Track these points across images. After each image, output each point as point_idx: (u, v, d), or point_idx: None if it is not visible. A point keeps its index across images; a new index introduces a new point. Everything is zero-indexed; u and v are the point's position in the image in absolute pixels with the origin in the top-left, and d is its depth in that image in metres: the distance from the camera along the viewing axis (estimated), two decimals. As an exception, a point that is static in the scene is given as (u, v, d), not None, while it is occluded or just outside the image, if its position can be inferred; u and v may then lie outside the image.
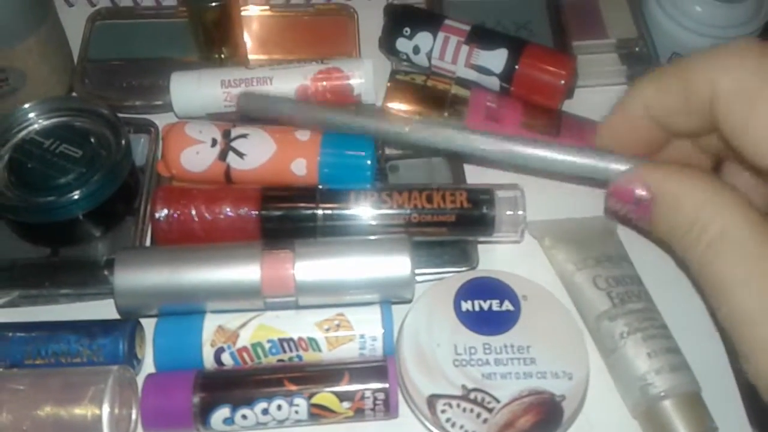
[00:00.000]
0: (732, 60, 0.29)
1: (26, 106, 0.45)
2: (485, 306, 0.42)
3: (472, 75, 0.50)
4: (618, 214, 0.33)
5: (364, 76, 0.50)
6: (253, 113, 0.44)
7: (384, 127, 0.40)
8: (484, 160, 0.35)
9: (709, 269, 0.29)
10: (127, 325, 0.41)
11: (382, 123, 0.40)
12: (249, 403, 0.38)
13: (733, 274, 0.28)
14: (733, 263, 0.28)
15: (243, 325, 0.40)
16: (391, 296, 0.42)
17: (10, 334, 0.40)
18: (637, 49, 0.56)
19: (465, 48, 0.50)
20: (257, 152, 0.44)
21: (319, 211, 0.43)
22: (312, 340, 0.40)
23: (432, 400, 0.38)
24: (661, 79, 0.32)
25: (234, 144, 0.45)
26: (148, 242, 0.46)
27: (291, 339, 0.40)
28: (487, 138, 0.34)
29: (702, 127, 0.32)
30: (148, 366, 0.42)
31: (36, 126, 0.45)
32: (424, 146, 0.37)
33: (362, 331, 0.41)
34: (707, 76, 0.30)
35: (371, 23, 0.57)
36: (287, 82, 0.50)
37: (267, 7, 0.59)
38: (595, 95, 0.53)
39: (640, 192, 0.31)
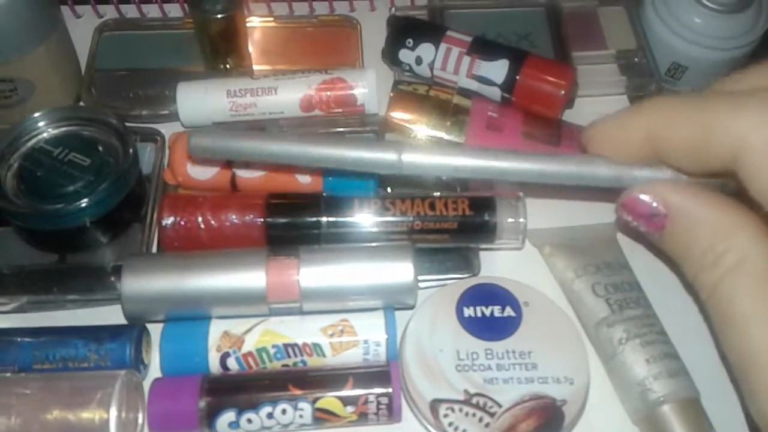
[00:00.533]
0: (764, 114, 0.26)
1: (36, 115, 0.46)
2: (487, 312, 0.42)
3: (473, 85, 0.51)
4: (626, 225, 0.31)
5: (367, 86, 0.51)
6: (215, 155, 0.34)
7: (371, 159, 0.33)
8: (484, 181, 0.34)
9: (722, 299, 0.27)
10: (134, 330, 0.41)
11: (368, 154, 0.33)
12: (254, 407, 0.38)
13: (748, 308, 0.26)
14: (749, 297, 0.26)
15: (248, 331, 0.41)
16: (394, 302, 0.42)
17: (19, 339, 0.41)
18: (636, 59, 0.57)
19: (467, 59, 0.51)
20: (262, 160, 0.45)
21: (324, 219, 0.43)
22: (316, 345, 0.41)
23: (435, 404, 0.39)
24: (674, 112, 0.29)
25: (240, 152, 0.45)
26: (154, 249, 0.46)
27: (295, 344, 0.41)
28: (484, 159, 0.32)
29: (707, 172, 0.29)
30: (155, 371, 0.42)
31: (45, 135, 0.46)
32: (418, 176, 0.34)
33: (366, 337, 0.41)
34: (734, 126, 0.27)
35: (373, 34, 0.57)
36: (292, 92, 0.51)
37: (271, 19, 0.60)
38: (594, 105, 0.54)
39: (655, 207, 0.29)
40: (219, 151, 0.33)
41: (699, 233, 0.28)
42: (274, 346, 0.41)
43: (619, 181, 0.31)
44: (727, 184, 0.29)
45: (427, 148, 0.33)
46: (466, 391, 0.39)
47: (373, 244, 0.43)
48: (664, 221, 0.29)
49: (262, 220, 0.43)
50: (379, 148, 0.32)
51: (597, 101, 0.55)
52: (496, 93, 0.51)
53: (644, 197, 0.30)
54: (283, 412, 0.39)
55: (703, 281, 0.28)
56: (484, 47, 0.51)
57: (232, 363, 0.41)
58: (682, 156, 0.29)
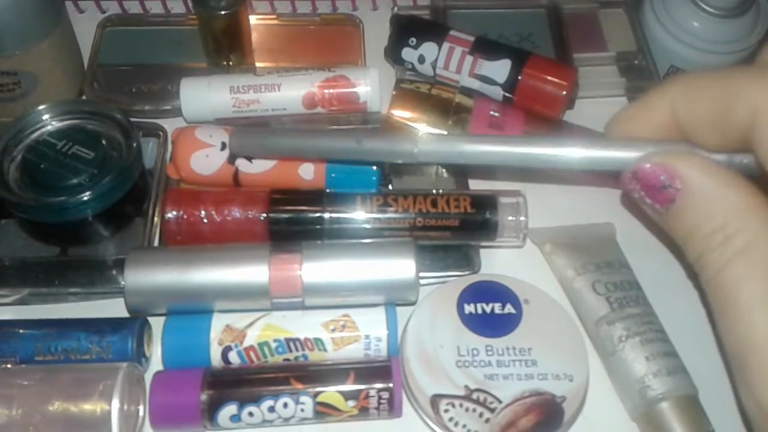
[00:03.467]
0: None
1: (40, 108, 0.46)
2: (488, 309, 0.42)
3: (475, 84, 0.51)
4: (634, 196, 0.30)
5: (370, 84, 0.51)
6: (248, 152, 0.42)
7: (390, 150, 0.37)
8: (496, 168, 0.34)
9: (727, 282, 0.26)
10: (136, 323, 0.41)
11: (388, 146, 0.37)
12: (256, 400, 0.39)
13: (753, 293, 0.26)
14: (757, 282, 0.26)
15: (250, 325, 0.41)
16: (395, 298, 0.43)
17: (21, 331, 0.41)
18: (636, 62, 0.58)
19: (469, 58, 0.51)
20: (266, 156, 0.45)
21: (326, 215, 0.44)
22: (318, 340, 0.41)
23: (435, 399, 0.39)
24: (695, 86, 0.29)
25: (243, 148, 0.45)
26: (156, 244, 0.46)
27: (297, 339, 0.41)
28: (499, 145, 0.33)
29: (729, 145, 0.29)
30: (156, 365, 0.42)
31: (49, 128, 0.46)
32: (434, 163, 0.36)
33: (367, 332, 0.41)
34: (751, 95, 0.27)
35: (376, 33, 0.58)
36: (294, 89, 0.51)
37: (274, 17, 0.60)
38: (594, 106, 0.55)
39: (669, 179, 0.28)
40: (257, 149, 0.40)
41: (712, 210, 0.27)
42: (275, 341, 0.41)
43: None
44: (748, 166, 0.29)
45: (440, 137, 0.35)
46: (466, 387, 0.39)
47: (376, 241, 0.44)
48: (675, 194, 0.28)
49: (264, 215, 0.44)
50: (396, 141, 0.35)
51: (597, 102, 0.55)
52: (497, 92, 0.51)
53: (657, 167, 0.29)
54: (285, 405, 0.39)
55: (708, 262, 0.27)
56: (486, 47, 0.51)
57: (233, 357, 0.41)
58: (704, 128, 0.29)
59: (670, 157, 0.29)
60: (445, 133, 0.50)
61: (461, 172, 0.49)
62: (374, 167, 0.46)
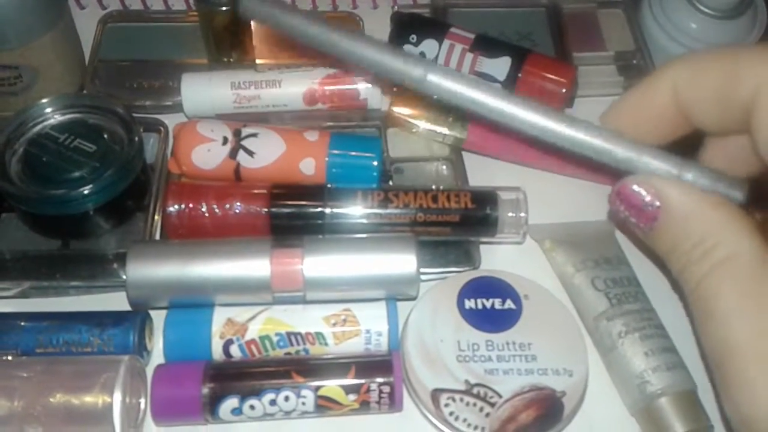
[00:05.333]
0: None
1: (43, 101, 0.46)
2: (488, 304, 0.43)
3: (475, 82, 0.52)
4: (618, 216, 0.32)
5: (370, 81, 0.51)
6: (255, 16, 0.37)
7: (400, 69, 0.34)
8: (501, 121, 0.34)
9: (707, 292, 0.28)
10: (137, 316, 0.42)
11: (397, 64, 0.34)
12: (257, 393, 0.39)
13: (731, 302, 0.27)
14: (734, 292, 0.27)
15: (252, 318, 0.41)
16: (396, 293, 0.43)
17: (22, 323, 0.41)
18: (634, 61, 0.58)
19: (469, 55, 0.51)
20: (267, 151, 0.46)
21: (327, 210, 0.44)
22: (319, 334, 0.41)
23: (436, 394, 0.39)
24: (700, 61, 0.30)
25: (244, 142, 0.46)
26: (157, 238, 0.46)
27: (298, 333, 0.41)
28: (506, 103, 0.32)
29: (728, 125, 0.30)
30: (157, 358, 0.42)
31: (52, 121, 0.46)
32: (439, 97, 0.33)
33: (368, 327, 0.42)
34: (756, 73, 0.28)
35: (376, 31, 0.57)
36: (295, 85, 0.51)
37: (275, 13, 0.60)
38: (593, 105, 0.54)
39: (650, 198, 0.30)
40: (265, 17, 0.36)
41: (691, 226, 0.28)
42: (277, 334, 0.41)
43: (629, 164, 0.31)
44: (730, 192, 0.30)
45: (454, 74, 0.33)
46: (466, 381, 0.40)
47: (377, 236, 0.44)
48: (657, 213, 0.29)
49: (266, 209, 0.44)
50: (407, 61, 0.33)
51: (595, 101, 0.55)
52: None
53: (639, 188, 0.30)
54: (286, 399, 0.39)
55: (690, 275, 0.28)
56: (486, 44, 0.52)
57: (235, 350, 0.41)
58: (706, 105, 0.30)
59: (651, 178, 0.30)
60: (445, 130, 0.50)
61: (461, 166, 0.50)
62: (375, 163, 0.46)
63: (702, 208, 0.29)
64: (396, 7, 0.60)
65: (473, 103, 0.33)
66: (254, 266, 0.41)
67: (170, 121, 0.51)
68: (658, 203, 0.29)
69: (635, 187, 0.30)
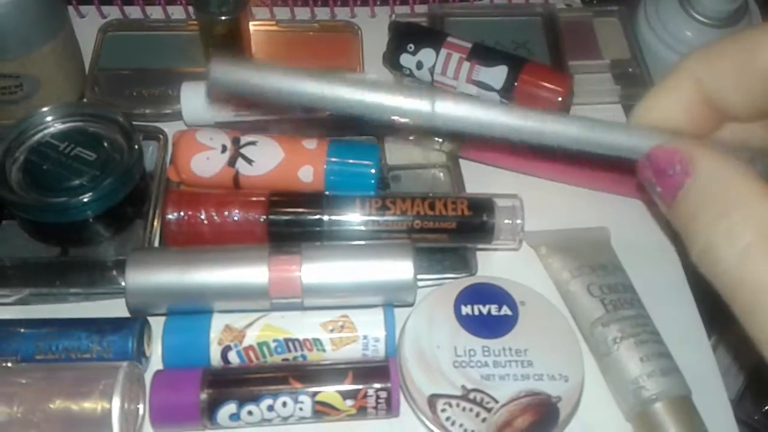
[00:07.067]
0: None
1: (43, 110, 0.47)
2: (484, 310, 0.43)
3: (472, 90, 0.52)
4: (647, 182, 0.30)
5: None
6: (229, 85, 0.33)
7: (402, 107, 0.31)
8: (522, 140, 0.32)
9: (747, 273, 0.25)
10: (136, 322, 0.42)
11: (400, 100, 0.31)
12: (255, 399, 0.39)
13: None
14: None
15: (249, 325, 0.42)
16: (393, 299, 0.43)
17: (22, 330, 0.41)
18: (630, 70, 0.58)
19: (466, 64, 0.52)
20: (265, 159, 0.46)
21: (325, 217, 0.44)
22: (317, 340, 0.42)
23: (432, 399, 0.39)
24: (715, 48, 0.30)
25: (243, 150, 0.46)
26: (156, 245, 0.47)
27: (296, 339, 0.41)
28: (521, 118, 0.31)
29: (756, 103, 0.29)
30: (156, 364, 0.43)
31: (52, 129, 0.47)
32: (450, 127, 0.31)
33: (365, 333, 0.42)
34: None
35: (374, 40, 0.58)
36: (294, 94, 0.51)
37: (273, 23, 0.60)
38: (589, 113, 0.55)
39: (679, 161, 0.28)
40: (241, 85, 0.32)
41: (716, 195, 0.26)
42: (275, 341, 0.41)
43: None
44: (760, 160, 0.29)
45: (462, 99, 0.31)
46: (463, 387, 0.40)
47: (374, 243, 0.44)
48: (683, 180, 0.28)
49: (264, 217, 0.44)
50: (412, 95, 0.30)
51: (592, 109, 0.56)
52: (494, 98, 0.52)
53: (670, 149, 0.28)
54: (284, 404, 0.39)
55: (719, 256, 0.26)
56: (483, 53, 0.52)
57: (233, 356, 0.41)
58: (729, 88, 0.29)
59: (683, 140, 0.29)
60: (441, 138, 0.50)
61: (458, 174, 0.50)
62: (373, 170, 0.46)
63: (731, 177, 0.27)
64: (394, 16, 0.61)
65: (495, 125, 0.31)
66: (252, 273, 0.41)
67: (170, 129, 0.52)
68: (688, 169, 0.28)
69: (666, 150, 0.29)
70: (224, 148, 0.46)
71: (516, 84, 0.51)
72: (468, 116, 0.31)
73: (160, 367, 0.42)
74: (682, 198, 0.28)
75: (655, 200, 0.30)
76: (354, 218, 0.44)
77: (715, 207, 0.26)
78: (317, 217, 0.44)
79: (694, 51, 0.30)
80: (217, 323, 0.42)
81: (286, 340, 0.41)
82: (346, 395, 0.40)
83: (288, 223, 0.44)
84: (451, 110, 0.30)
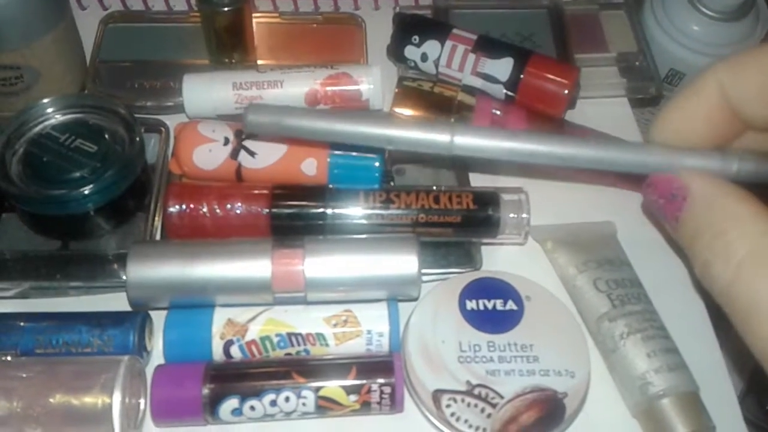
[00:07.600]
0: None
1: (44, 101, 0.46)
2: (489, 305, 0.42)
3: (477, 83, 0.52)
4: (652, 207, 0.32)
5: (372, 81, 0.51)
6: (264, 130, 0.37)
7: (423, 142, 0.34)
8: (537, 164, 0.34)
9: (742, 288, 0.27)
10: (137, 316, 0.41)
11: (420, 136, 0.34)
12: (258, 394, 0.39)
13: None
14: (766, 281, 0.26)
15: (252, 319, 0.41)
16: (397, 294, 0.43)
17: (22, 324, 0.41)
18: (636, 63, 0.58)
19: (472, 56, 0.51)
20: (268, 151, 0.45)
21: (329, 210, 0.44)
22: (320, 335, 0.41)
23: (437, 394, 0.39)
24: (740, 59, 0.31)
25: (246, 143, 0.46)
26: (157, 238, 0.46)
27: (299, 333, 0.41)
28: (538, 143, 0.33)
29: None
30: (157, 358, 0.42)
31: (53, 121, 0.46)
32: (469, 156, 0.34)
33: (369, 327, 0.41)
34: None
35: (378, 32, 0.58)
36: (297, 86, 0.51)
37: (277, 15, 0.60)
38: (595, 107, 0.55)
39: (677, 187, 0.30)
40: (274, 128, 0.36)
41: (712, 218, 0.28)
42: (277, 335, 0.41)
43: (670, 168, 0.32)
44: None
45: (478, 130, 0.34)
46: (468, 382, 0.39)
47: (378, 236, 0.44)
48: (682, 204, 0.30)
49: (267, 210, 0.44)
50: (431, 130, 0.34)
51: (598, 103, 0.56)
52: (500, 91, 0.51)
53: (668, 176, 0.31)
54: (287, 399, 0.39)
55: (717, 272, 0.28)
56: (489, 45, 0.52)
57: (235, 351, 0.41)
58: (753, 99, 0.30)
59: (681, 170, 0.31)
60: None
61: (463, 167, 0.49)
62: (377, 164, 0.46)
63: (725, 199, 0.29)
64: (398, 8, 0.60)
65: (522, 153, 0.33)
66: (255, 267, 0.41)
67: (171, 121, 0.51)
68: (684, 193, 0.30)
69: (665, 176, 0.31)
70: (227, 141, 0.46)
71: (522, 76, 0.50)
72: (486, 146, 0.33)
73: (162, 361, 0.41)
74: (683, 221, 0.30)
75: (663, 224, 0.32)
76: (358, 212, 0.44)
77: (712, 228, 0.28)
78: (321, 210, 0.44)
79: (720, 61, 0.31)
80: (220, 317, 0.41)
81: (289, 335, 0.41)
82: (349, 390, 0.39)
83: (291, 217, 0.44)
84: (469, 142, 0.33)
